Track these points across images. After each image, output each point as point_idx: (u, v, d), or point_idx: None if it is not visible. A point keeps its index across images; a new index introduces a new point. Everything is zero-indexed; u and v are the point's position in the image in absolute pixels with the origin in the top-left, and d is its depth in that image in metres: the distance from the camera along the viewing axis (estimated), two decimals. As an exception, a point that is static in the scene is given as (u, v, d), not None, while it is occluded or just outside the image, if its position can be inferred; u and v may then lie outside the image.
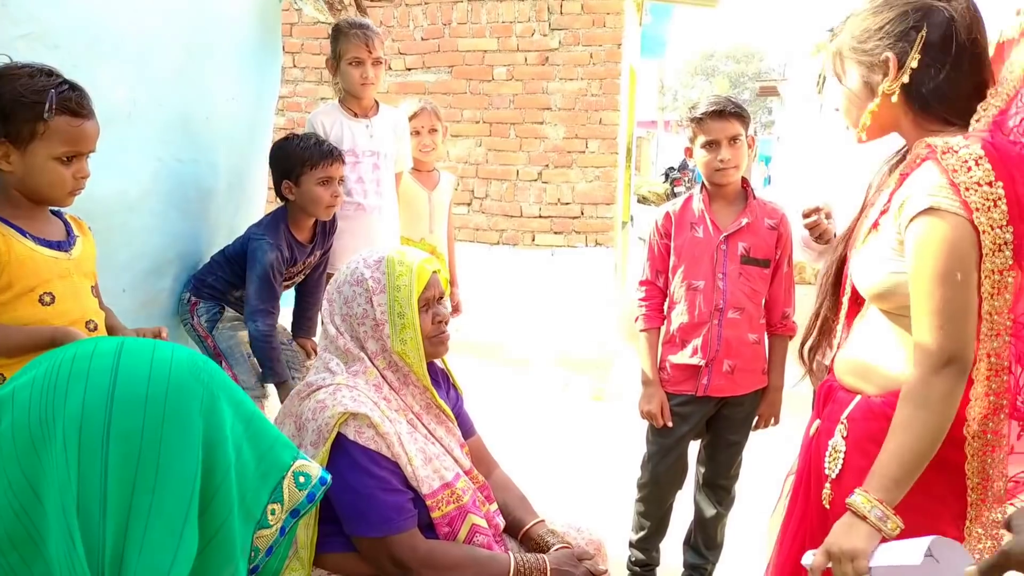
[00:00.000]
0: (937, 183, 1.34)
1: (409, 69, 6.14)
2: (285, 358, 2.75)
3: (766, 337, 2.62)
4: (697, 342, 2.55)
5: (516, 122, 6.06)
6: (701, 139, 2.48)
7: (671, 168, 19.46)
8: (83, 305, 1.78)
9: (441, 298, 1.91)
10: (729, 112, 2.44)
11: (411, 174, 3.27)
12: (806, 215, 2.14)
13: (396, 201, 3.04)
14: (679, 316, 2.58)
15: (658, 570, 2.77)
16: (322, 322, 1.92)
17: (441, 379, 2.06)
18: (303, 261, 2.66)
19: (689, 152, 2.57)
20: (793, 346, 2.58)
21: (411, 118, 3.24)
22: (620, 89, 5.89)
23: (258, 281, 2.47)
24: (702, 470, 2.73)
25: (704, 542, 2.71)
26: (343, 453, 1.70)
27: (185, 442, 0.93)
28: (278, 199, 2.61)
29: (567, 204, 6.03)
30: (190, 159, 2.45)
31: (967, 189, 1.31)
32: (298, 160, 2.53)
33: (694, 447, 2.74)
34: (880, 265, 1.46)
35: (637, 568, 2.75)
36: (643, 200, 16.44)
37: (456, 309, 3.58)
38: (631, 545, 2.76)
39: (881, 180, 1.66)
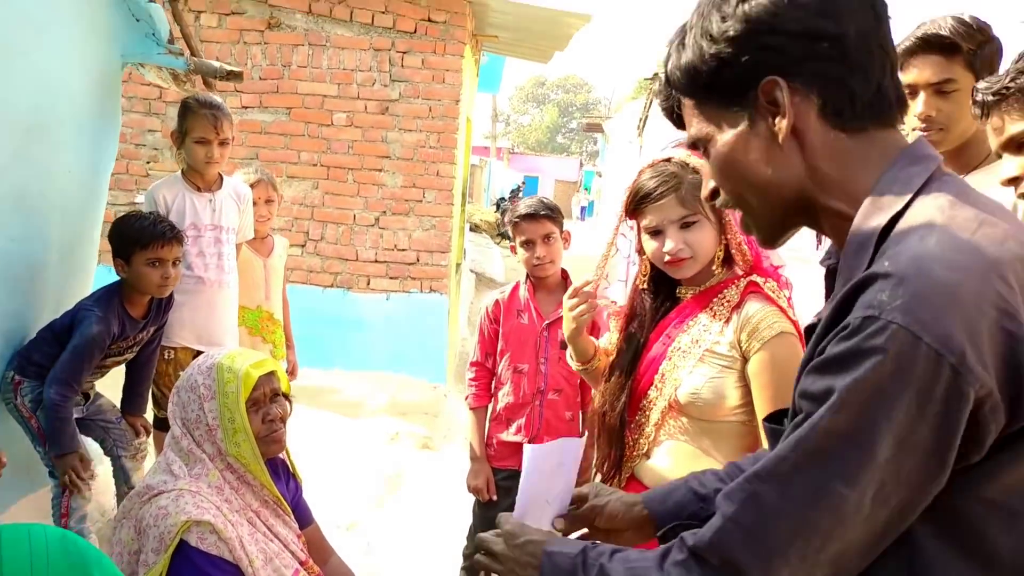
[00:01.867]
0: (773, 310, 1.74)
1: (245, 107, 6.07)
2: (114, 436, 2.72)
3: (580, 414, 2.91)
4: (521, 421, 2.80)
5: (355, 167, 6.15)
6: (520, 238, 2.76)
7: (502, 198, 20.05)
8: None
9: (275, 396, 2.01)
10: (541, 215, 2.73)
11: (246, 242, 3.32)
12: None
13: (237, 273, 3.09)
14: (505, 396, 2.82)
15: (479, 629, 2.97)
16: (170, 421, 1.97)
17: (281, 470, 2.17)
18: (133, 336, 2.65)
19: (513, 249, 2.83)
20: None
21: None
22: (457, 143, 6.14)
23: (73, 351, 2.44)
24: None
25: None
26: (185, 559, 1.77)
27: None
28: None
29: (403, 250, 6.18)
30: (23, 237, 2.41)
31: (787, 311, 1.74)
32: (129, 239, 2.53)
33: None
34: (715, 383, 1.76)
35: (460, 630, 2.95)
36: (475, 228, 16.82)
37: (292, 373, 3.65)
38: (455, 609, 2.96)
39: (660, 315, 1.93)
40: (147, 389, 2.84)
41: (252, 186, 3.28)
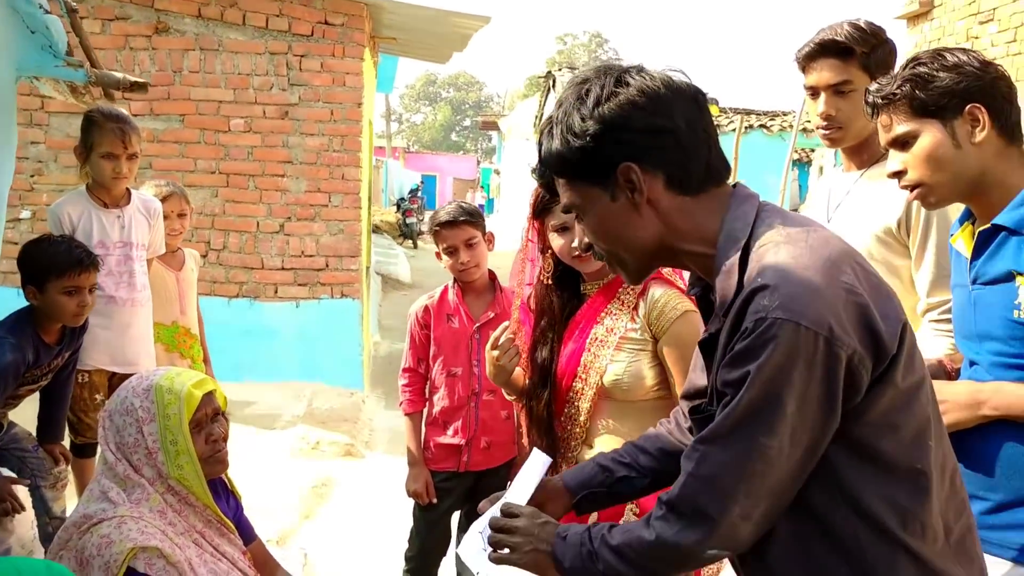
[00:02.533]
0: (675, 292, 1.92)
1: (136, 115, 5.80)
2: (32, 466, 2.60)
3: (515, 412, 2.95)
4: (457, 423, 2.82)
5: (255, 174, 6.00)
6: (442, 245, 2.77)
7: (402, 198, 19.89)
8: None
9: (216, 415, 1.98)
10: (461, 220, 2.74)
11: (156, 257, 3.21)
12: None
13: (149, 290, 2.98)
14: (440, 400, 2.84)
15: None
16: (100, 447, 1.90)
17: (220, 488, 2.12)
18: (48, 363, 2.53)
19: (439, 255, 2.84)
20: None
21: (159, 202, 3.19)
22: (362, 146, 6.08)
23: None
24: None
25: (465, 602, 2.98)
26: (135, 587, 1.72)
27: None
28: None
29: (311, 256, 6.07)
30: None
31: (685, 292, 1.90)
32: (43, 267, 2.42)
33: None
34: (634, 366, 1.92)
35: (404, 632, 2.94)
36: (376, 229, 16.63)
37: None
38: (399, 612, 2.95)
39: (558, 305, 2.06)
40: (64, 416, 2.72)
41: (164, 199, 3.18)
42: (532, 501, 1.51)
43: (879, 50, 2.04)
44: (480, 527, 1.50)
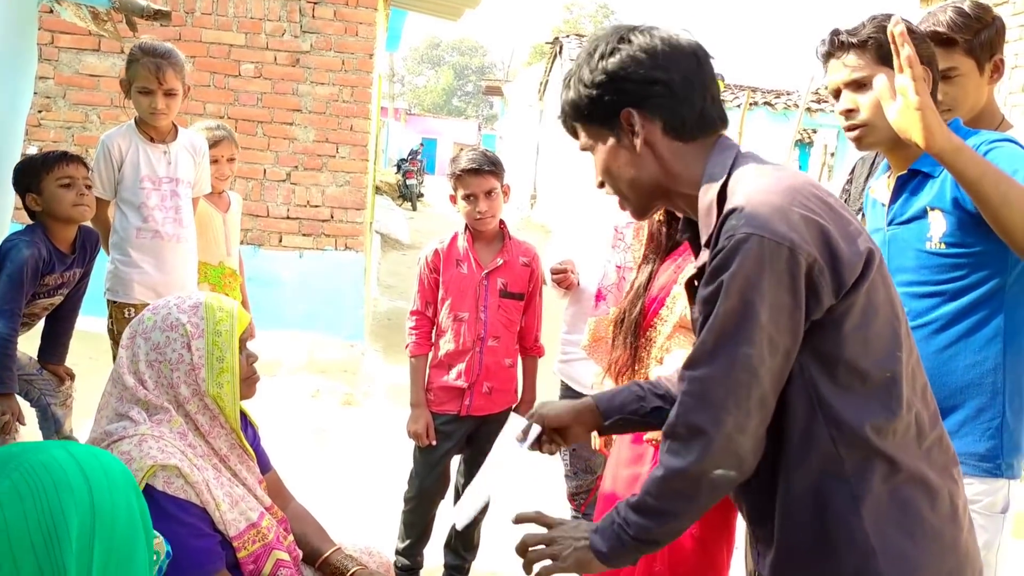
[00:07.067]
0: None
1: (146, 55, 5.78)
2: (39, 387, 2.64)
3: (519, 360, 3.00)
4: (461, 367, 2.86)
5: (264, 121, 5.98)
6: (461, 191, 2.78)
7: (403, 160, 19.80)
8: None
9: (251, 338, 2.02)
10: (485, 170, 2.76)
11: (204, 197, 3.24)
12: (555, 272, 2.60)
13: (194, 227, 3.01)
14: (446, 344, 2.87)
15: (421, 572, 3.04)
16: (116, 375, 1.89)
17: (240, 417, 2.16)
18: (61, 273, 2.57)
19: (453, 199, 2.86)
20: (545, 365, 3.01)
21: (211, 146, 3.20)
22: (371, 98, 6.05)
23: (9, 279, 2.38)
24: (462, 480, 3.05)
25: (462, 545, 3.04)
26: (152, 503, 1.74)
27: (134, 533, 1.06)
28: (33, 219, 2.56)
29: (317, 207, 6.07)
30: (-61, 180, 2.27)
31: None
32: (32, 169, 2.52)
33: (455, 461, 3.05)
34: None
35: (403, 573, 3.01)
36: (376, 190, 16.58)
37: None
38: (397, 552, 3.01)
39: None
40: (69, 339, 2.77)
41: (217, 143, 3.22)
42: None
43: (983, 33, 2.05)
44: (476, 489, 1.59)
